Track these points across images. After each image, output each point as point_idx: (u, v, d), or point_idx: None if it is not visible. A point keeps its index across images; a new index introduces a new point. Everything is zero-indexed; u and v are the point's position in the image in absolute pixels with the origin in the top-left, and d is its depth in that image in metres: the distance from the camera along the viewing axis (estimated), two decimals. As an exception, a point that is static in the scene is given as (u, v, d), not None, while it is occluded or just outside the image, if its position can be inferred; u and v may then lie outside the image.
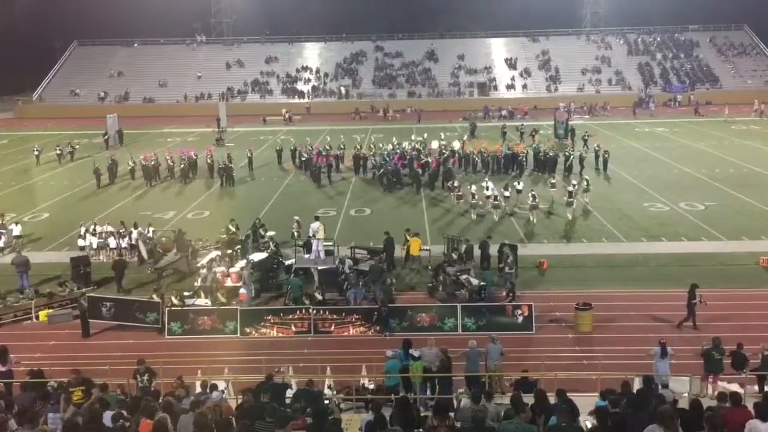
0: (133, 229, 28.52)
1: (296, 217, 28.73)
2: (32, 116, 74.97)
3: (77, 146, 51.81)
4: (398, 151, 42.67)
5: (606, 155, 41.58)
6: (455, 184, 36.08)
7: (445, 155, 41.87)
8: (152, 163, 41.90)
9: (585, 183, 34.43)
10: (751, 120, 61.17)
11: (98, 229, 28.94)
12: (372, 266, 24.00)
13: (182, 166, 42.38)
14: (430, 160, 40.57)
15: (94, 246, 28.16)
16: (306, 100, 77.14)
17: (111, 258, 27.58)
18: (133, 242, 27.92)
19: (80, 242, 28.46)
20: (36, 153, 49.23)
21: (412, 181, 38.73)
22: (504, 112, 65.71)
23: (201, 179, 42.20)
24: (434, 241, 28.18)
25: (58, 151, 49.88)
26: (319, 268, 23.89)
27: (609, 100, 71.18)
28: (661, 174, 40.68)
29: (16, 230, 30.02)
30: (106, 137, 55.55)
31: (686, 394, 14.92)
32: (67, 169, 47.06)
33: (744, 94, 72.18)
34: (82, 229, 28.83)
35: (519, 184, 35.29)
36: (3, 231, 30.38)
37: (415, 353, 16.46)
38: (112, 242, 28.29)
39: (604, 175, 40.50)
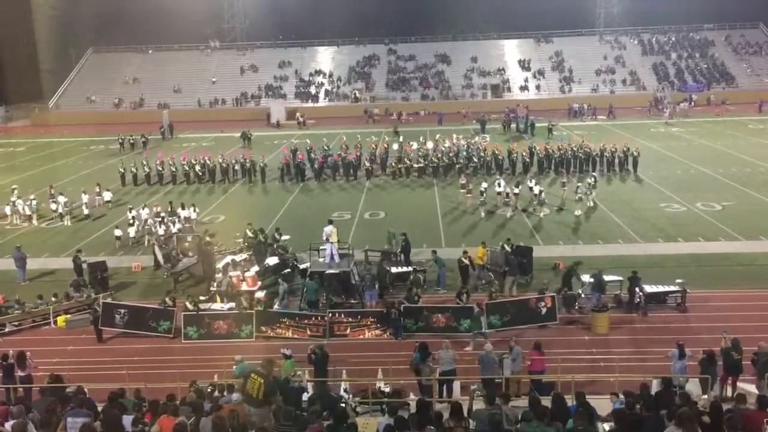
0: (180, 210, 30.54)
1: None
2: (49, 123, 75.51)
3: (149, 136, 57.10)
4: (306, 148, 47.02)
5: (636, 154, 41.04)
6: (464, 181, 36.31)
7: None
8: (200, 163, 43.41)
9: (593, 180, 34.91)
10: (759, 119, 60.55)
11: (143, 215, 30.41)
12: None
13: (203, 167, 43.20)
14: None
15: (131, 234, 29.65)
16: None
17: (154, 245, 27.69)
18: (175, 229, 28.80)
19: (117, 232, 29.74)
20: (120, 141, 55.61)
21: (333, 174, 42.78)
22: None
23: (220, 182, 42.48)
24: (448, 244, 28.21)
25: (132, 141, 55.55)
26: (326, 272, 23.86)
27: (623, 100, 70.64)
28: (677, 174, 40.38)
29: (107, 196, 36.47)
30: (162, 130, 61.86)
31: (705, 396, 14.79)
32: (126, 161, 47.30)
33: (760, 93, 71.53)
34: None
35: (532, 182, 35.48)
36: (99, 198, 36.19)
37: (287, 351, 16.99)
38: (161, 230, 28.92)
39: (634, 176, 40.07)
